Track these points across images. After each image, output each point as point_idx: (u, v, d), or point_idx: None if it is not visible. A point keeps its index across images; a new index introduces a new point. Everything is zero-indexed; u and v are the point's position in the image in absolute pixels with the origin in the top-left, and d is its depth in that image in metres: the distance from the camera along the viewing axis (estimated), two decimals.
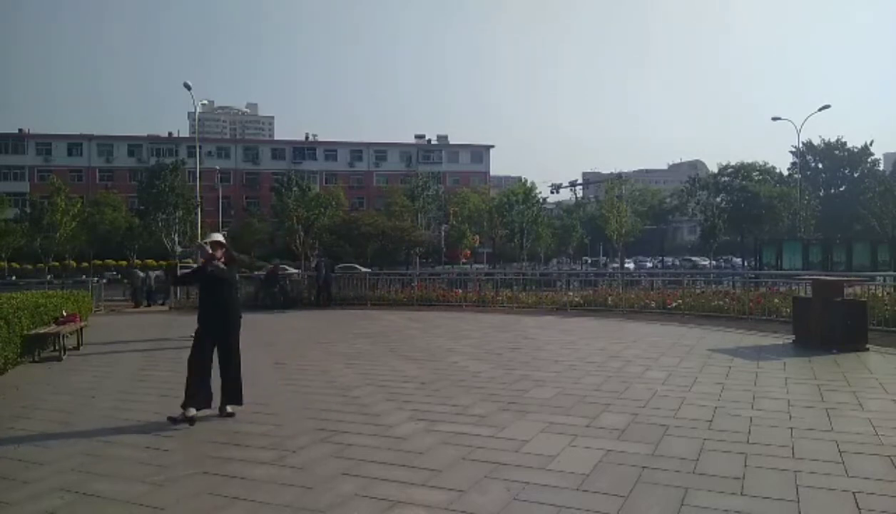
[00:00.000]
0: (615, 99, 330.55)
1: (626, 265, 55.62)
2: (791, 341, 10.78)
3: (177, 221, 43.58)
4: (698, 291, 17.16)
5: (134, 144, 74.69)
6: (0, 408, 7.17)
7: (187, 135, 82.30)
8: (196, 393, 6.28)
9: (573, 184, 79.12)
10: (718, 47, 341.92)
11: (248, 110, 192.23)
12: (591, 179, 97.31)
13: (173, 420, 6.17)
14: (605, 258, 65.67)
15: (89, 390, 8.06)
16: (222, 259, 6.60)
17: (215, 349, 6.52)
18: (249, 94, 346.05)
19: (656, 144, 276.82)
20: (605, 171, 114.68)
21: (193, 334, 6.51)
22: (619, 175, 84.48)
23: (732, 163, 64.96)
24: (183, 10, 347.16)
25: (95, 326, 14.76)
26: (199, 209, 35.53)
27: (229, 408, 6.48)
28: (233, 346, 6.58)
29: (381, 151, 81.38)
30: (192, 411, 6.22)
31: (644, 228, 67.17)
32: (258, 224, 61.84)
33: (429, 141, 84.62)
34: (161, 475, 4.72)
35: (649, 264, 61.23)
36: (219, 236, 6.90)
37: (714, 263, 56.64)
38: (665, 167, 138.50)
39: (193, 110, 40.93)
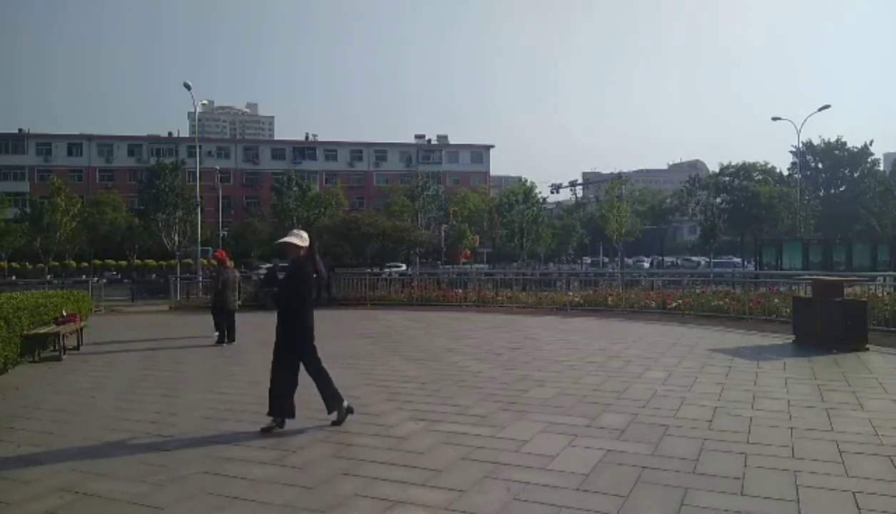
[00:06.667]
0: (615, 99, 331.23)
1: (627, 261, 55.48)
2: (791, 341, 10.78)
3: (177, 221, 43.56)
4: (698, 291, 17.16)
5: (134, 144, 74.71)
6: (0, 408, 7.17)
7: (187, 135, 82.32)
8: (274, 402, 5.92)
9: (573, 184, 78.90)
10: (719, 47, 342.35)
11: (248, 110, 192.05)
12: (591, 179, 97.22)
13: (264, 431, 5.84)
14: (605, 259, 65.56)
15: (89, 390, 8.06)
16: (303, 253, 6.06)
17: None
18: (249, 94, 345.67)
19: (656, 143, 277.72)
20: (605, 171, 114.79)
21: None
22: (619, 175, 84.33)
23: (733, 163, 64.95)
24: (183, 10, 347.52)
25: (95, 326, 14.75)
26: (199, 209, 35.56)
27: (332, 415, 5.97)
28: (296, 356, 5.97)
29: (381, 151, 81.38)
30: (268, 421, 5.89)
31: (644, 228, 67.09)
32: (258, 224, 61.83)
33: (429, 141, 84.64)
34: (161, 475, 4.72)
35: (646, 265, 61.02)
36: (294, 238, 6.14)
37: (713, 263, 56.48)
38: (665, 167, 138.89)
39: (193, 110, 40.99)
